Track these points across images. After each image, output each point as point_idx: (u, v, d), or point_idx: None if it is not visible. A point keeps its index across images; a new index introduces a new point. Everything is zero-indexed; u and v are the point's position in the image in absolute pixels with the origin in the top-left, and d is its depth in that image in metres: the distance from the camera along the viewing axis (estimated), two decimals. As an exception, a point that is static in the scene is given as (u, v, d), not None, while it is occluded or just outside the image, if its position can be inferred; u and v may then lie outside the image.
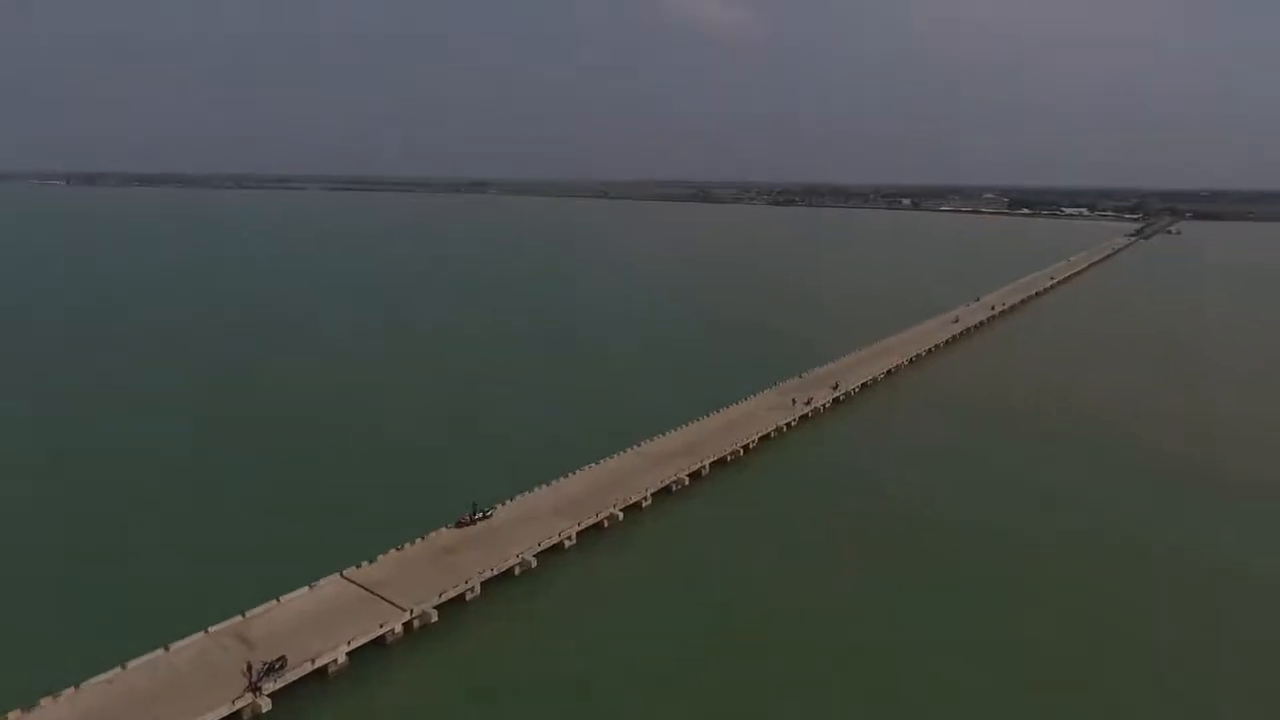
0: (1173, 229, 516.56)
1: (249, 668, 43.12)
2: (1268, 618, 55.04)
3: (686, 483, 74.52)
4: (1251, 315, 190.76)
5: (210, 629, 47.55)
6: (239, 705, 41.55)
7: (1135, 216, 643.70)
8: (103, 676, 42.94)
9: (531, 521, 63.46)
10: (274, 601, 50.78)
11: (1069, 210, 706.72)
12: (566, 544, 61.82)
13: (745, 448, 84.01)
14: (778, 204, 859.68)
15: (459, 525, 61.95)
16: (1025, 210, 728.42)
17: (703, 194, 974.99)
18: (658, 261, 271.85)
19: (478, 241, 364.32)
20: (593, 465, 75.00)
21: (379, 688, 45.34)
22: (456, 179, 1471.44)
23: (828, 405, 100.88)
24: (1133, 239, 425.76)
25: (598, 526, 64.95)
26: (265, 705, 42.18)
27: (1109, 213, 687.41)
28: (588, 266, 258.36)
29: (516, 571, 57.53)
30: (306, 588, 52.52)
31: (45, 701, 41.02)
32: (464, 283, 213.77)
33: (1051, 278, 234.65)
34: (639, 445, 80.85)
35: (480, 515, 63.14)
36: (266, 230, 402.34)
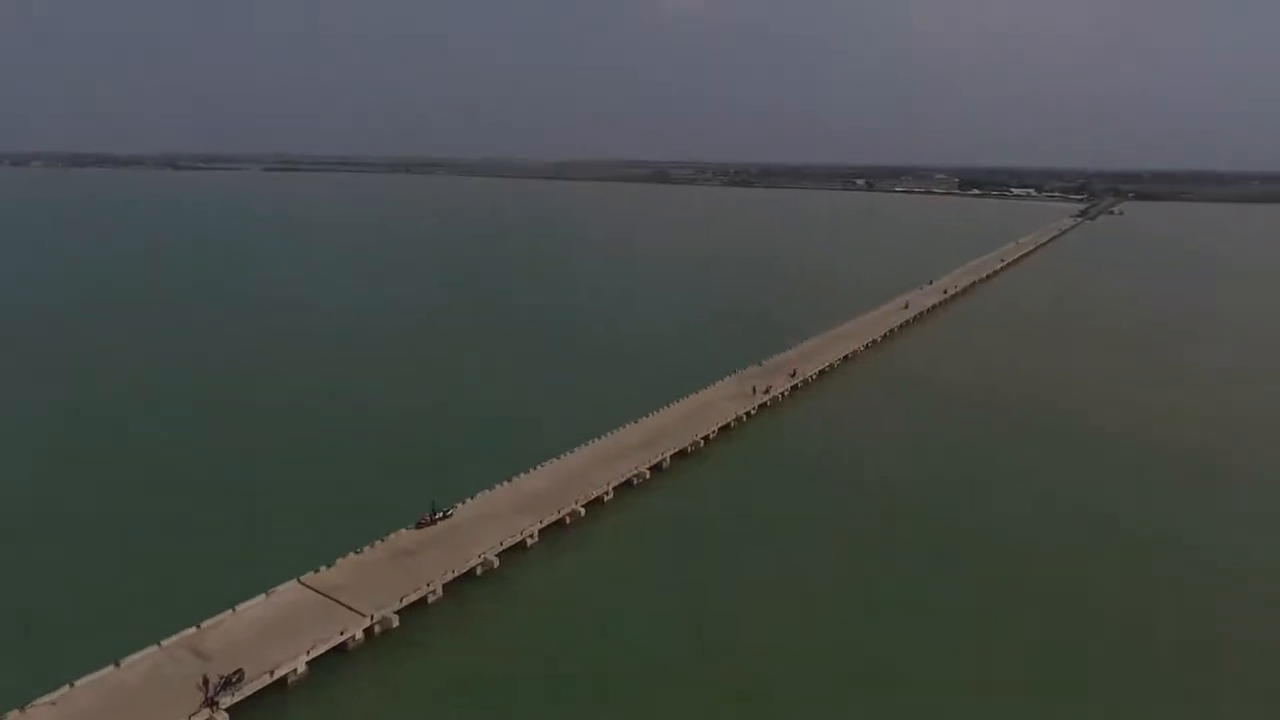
0: (1116, 209, 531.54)
1: (205, 682, 42.09)
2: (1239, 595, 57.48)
3: (648, 476, 74.63)
4: (1195, 297, 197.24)
5: (163, 642, 46.27)
6: (195, 722, 40.65)
7: (1080, 197, 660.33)
8: (49, 697, 41.55)
9: (492, 520, 63.01)
10: (229, 611, 49.62)
11: (1017, 191, 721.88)
12: (529, 542, 61.57)
13: (705, 438, 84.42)
14: (735, 185, 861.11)
15: (419, 526, 61.21)
16: (975, 191, 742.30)
17: (660, 175, 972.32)
18: (612, 248, 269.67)
19: (425, 227, 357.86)
20: (553, 460, 74.63)
21: (341, 697, 44.76)
22: (407, 158, 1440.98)
23: (786, 393, 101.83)
24: (1078, 219, 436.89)
25: (560, 523, 64.73)
26: (223, 720, 41.36)
27: (1055, 193, 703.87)
28: (540, 255, 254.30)
29: (479, 572, 57.09)
30: (263, 595, 51.45)
31: (-11, 725, 39.68)
32: (409, 275, 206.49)
33: (1001, 260, 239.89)
34: (599, 438, 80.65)
35: (440, 515, 62.45)
36: (174, 215, 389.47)
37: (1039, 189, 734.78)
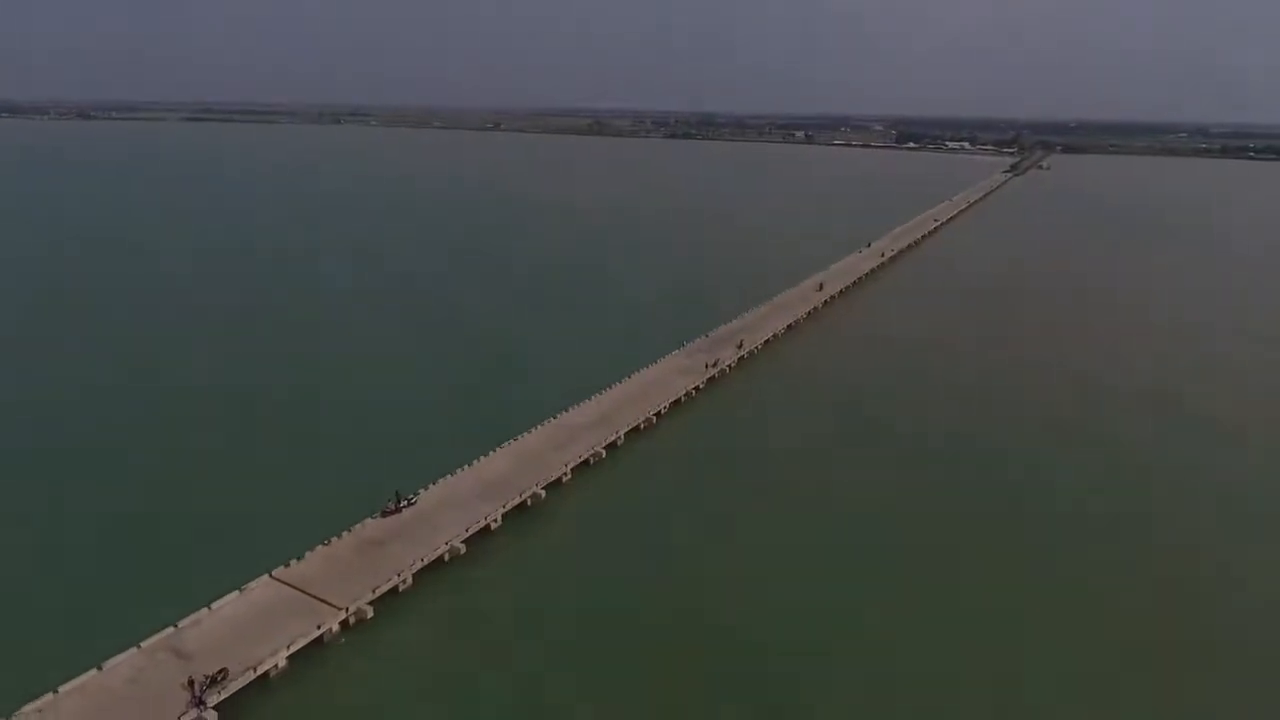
0: (1044, 164, 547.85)
1: (190, 682, 43.76)
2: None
3: (603, 455, 77.45)
4: (1111, 257, 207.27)
5: (142, 644, 47.55)
6: (184, 721, 42.52)
7: (1011, 150, 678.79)
8: (34, 705, 42.74)
9: (456, 506, 65.06)
10: (205, 609, 51.03)
11: (952, 144, 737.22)
12: (493, 526, 63.94)
13: (658, 414, 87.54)
14: (675, 137, 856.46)
15: (384, 514, 62.92)
16: (911, 144, 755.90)
17: (599, 126, 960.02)
18: (551, 214, 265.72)
19: (360, 189, 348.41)
20: (511, 442, 76.74)
21: (323, 689, 46.98)
22: (334, 105, 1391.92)
23: (733, 365, 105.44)
24: (1009, 175, 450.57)
25: (521, 506, 67.27)
26: (212, 718, 43.20)
27: (988, 146, 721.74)
28: (479, 222, 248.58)
29: (446, 559, 59.38)
30: (236, 592, 52.84)
31: (-22, 736, 40.82)
32: (343, 249, 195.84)
33: (936, 220, 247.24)
34: (554, 418, 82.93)
35: (405, 503, 64.25)
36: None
37: (972, 142, 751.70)
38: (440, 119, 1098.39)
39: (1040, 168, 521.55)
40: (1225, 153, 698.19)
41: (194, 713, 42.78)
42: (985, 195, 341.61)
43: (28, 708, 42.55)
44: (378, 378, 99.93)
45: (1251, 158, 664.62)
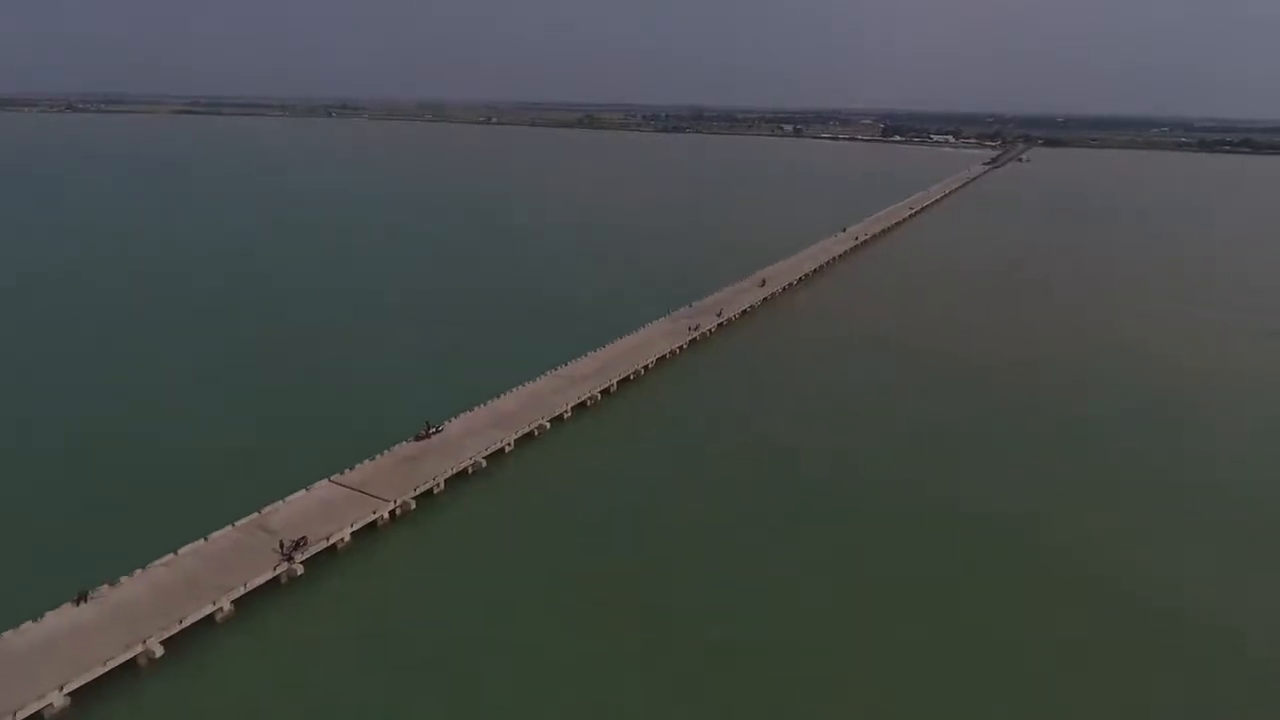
0: (1023, 157, 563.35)
1: (281, 545, 56.49)
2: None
3: (599, 399, 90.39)
4: (1073, 247, 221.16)
5: (236, 523, 60.13)
6: (278, 571, 55.11)
7: (994, 144, 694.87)
8: (161, 560, 55.22)
9: (476, 434, 77.76)
10: (280, 502, 63.58)
11: (936, 138, 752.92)
12: (507, 449, 76.72)
13: (646, 368, 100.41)
14: (666, 131, 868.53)
15: (417, 439, 75.61)
16: (898, 137, 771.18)
17: (591, 120, 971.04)
18: (551, 198, 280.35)
19: (380, 178, 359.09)
20: (520, 387, 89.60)
21: (378, 556, 59.72)
22: (324, 100, 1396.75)
23: (714, 330, 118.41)
24: (988, 167, 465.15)
25: (530, 435, 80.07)
26: (300, 570, 55.85)
27: (972, 139, 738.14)
28: (483, 203, 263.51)
29: (470, 471, 72.13)
30: (304, 490, 65.45)
31: (124, 579, 53.15)
32: (371, 234, 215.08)
33: (910, 209, 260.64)
34: (557, 369, 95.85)
35: (434, 430, 76.96)
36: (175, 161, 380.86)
37: (956, 135, 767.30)
38: (432, 113, 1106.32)
39: (1020, 160, 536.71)
40: (1203, 147, 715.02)
41: (285, 565, 55.48)
42: (963, 186, 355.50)
43: (156, 563, 55.03)
44: (409, 331, 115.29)
45: (1227, 152, 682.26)
